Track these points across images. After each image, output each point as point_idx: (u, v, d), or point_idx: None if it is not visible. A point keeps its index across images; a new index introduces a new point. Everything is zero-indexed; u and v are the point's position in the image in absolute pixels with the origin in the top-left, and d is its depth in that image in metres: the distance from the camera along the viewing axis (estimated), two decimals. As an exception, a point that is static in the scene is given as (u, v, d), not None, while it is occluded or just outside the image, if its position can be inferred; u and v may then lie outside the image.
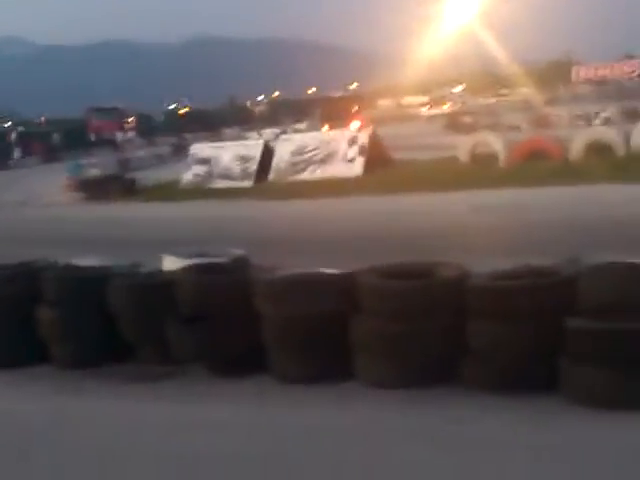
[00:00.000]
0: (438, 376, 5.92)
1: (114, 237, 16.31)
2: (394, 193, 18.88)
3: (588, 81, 75.28)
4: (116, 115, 78.68)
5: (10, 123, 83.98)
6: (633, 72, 75.35)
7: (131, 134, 74.90)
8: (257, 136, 41.56)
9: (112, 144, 65.40)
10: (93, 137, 71.43)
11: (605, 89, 65.14)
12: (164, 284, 7.08)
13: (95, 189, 27.14)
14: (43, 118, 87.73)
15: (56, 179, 29.95)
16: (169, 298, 6.87)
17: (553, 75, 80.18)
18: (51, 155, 56.28)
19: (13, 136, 62.88)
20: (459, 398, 5.74)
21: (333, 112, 59.25)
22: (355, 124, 42.10)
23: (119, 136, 72.08)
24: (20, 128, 71.90)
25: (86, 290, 7.42)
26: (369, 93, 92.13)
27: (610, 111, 33.06)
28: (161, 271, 7.78)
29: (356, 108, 64.77)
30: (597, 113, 33.43)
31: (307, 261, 7.70)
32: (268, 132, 44.90)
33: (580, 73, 79.37)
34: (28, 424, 6.21)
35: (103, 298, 7.24)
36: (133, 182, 27.90)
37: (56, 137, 65.24)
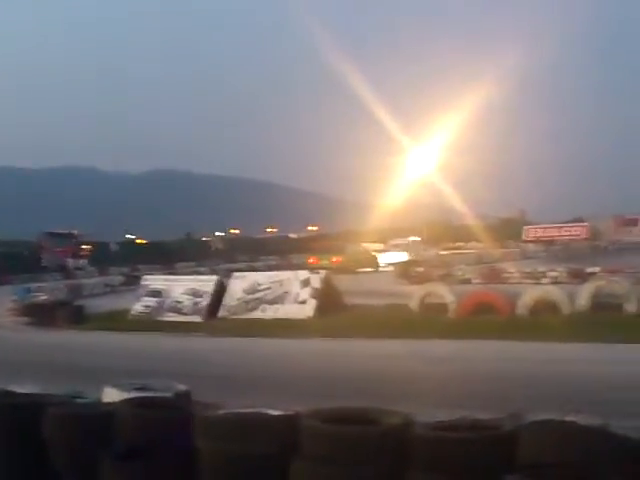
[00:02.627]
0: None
1: (55, 364, 15.95)
2: (343, 337, 18.93)
3: (538, 240, 77.79)
4: (70, 241, 78.49)
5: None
6: (581, 235, 78.16)
7: (83, 261, 74.52)
8: (210, 271, 41.90)
9: (63, 270, 64.96)
10: (45, 261, 70.89)
11: (554, 249, 67.30)
12: (101, 416, 6.90)
13: (42, 314, 26.77)
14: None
15: (3, 302, 29.48)
16: (105, 431, 6.67)
17: (505, 231, 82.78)
18: (-1, 277, 55.58)
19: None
20: None
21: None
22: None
23: (71, 262, 71.67)
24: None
25: (18, 418, 7.18)
26: (328, 236, 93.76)
27: (558, 271, 33.98)
28: (99, 402, 7.60)
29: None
30: (545, 272, 34.31)
31: (251, 399, 7.60)
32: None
33: (530, 232, 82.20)
34: None
35: (37, 427, 7.00)
36: (81, 309, 27.59)
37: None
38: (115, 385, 7.81)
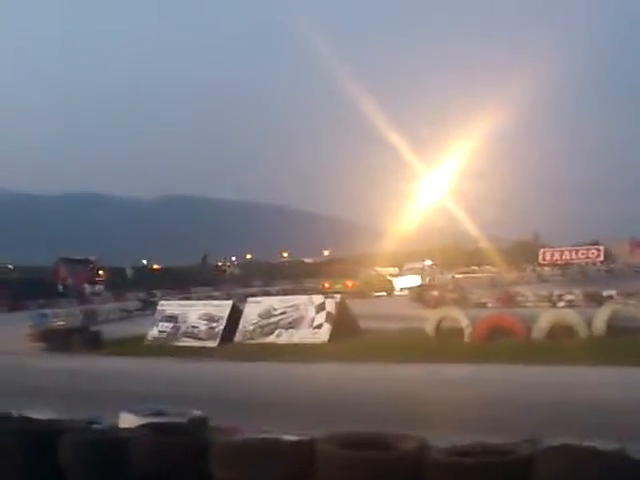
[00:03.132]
0: None
1: (72, 389, 16.00)
2: (358, 362, 18.89)
3: (554, 263, 77.43)
4: (86, 267, 78.70)
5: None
6: (597, 258, 77.76)
7: (100, 287, 74.68)
8: (226, 296, 42.03)
9: (80, 295, 65.16)
10: (61, 287, 71.12)
11: (570, 272, 66.96)
12: (118, 441, 6.91)
13: (58, 340, 26.85)
14: (11, 266, 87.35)
15: (19, 328, 29.59)
16: (122, 456, 6.68)
17: (520, 255, 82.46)
18: (16, 303, 55.74)
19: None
20: None
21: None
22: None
23: (88, 288, 71.88)
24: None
25: (35, 444, 7.20)
26: (343, 260, 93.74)
27: (574, 294, 33.77)
28: (116, 428, 7.61)
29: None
30: (561, 295, 34.11)
31: (267, 424, 7.60)
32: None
33: (546, 255, 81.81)
34: None
35: (54, 453, 7.02)
36: (97, 335, 27.65)
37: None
38: (131, 411, 7.83)
